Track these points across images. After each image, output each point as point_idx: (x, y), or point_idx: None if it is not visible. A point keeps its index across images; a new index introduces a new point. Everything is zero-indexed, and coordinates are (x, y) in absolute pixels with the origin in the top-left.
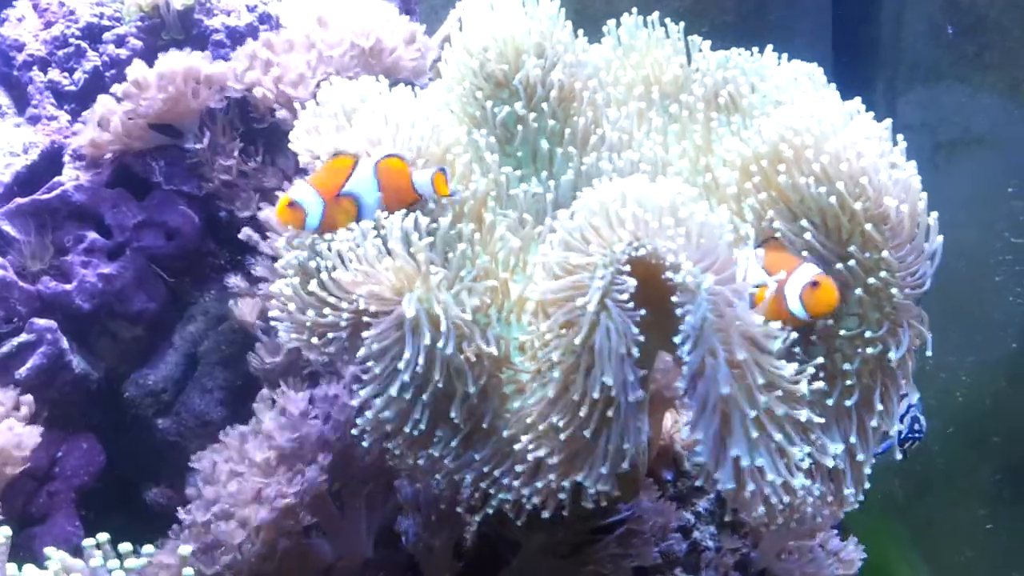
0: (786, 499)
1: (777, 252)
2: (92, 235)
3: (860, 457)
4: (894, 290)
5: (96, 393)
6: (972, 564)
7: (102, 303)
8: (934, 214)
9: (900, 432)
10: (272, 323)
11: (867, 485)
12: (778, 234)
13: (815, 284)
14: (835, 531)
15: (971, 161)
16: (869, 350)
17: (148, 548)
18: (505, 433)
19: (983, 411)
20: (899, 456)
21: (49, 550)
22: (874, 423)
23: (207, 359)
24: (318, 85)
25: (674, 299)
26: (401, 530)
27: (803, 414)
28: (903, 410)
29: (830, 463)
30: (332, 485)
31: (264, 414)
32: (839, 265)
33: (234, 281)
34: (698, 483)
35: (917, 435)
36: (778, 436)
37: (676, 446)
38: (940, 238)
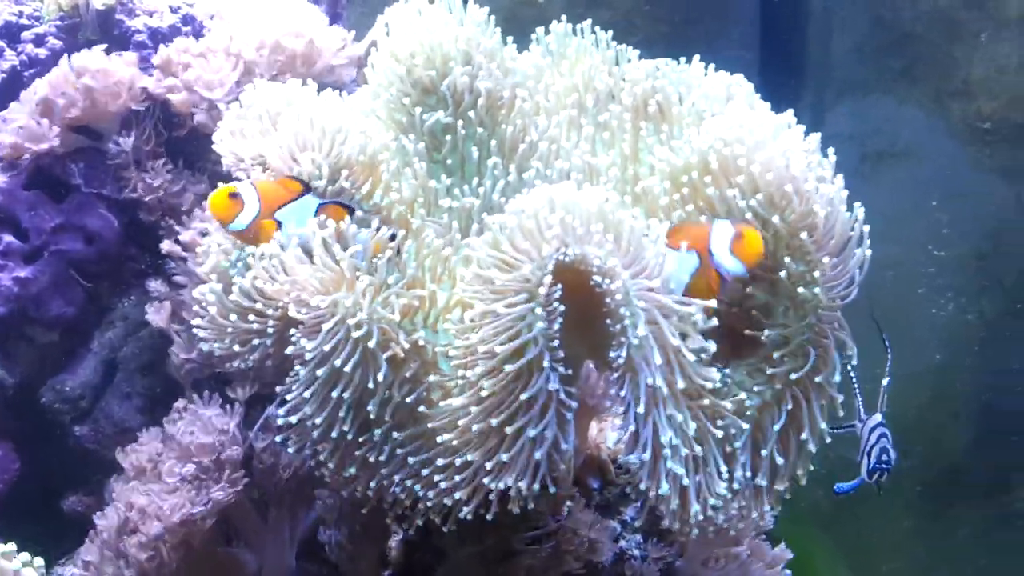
0: (712, 501)
1: (683, 228)
2: (8, 238)
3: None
4: (818, 299)
5: (11, 399)
6: (896, 575)
7: (18, 307)
8: (866, 227)
9: (868, 463)
10: (194, 330)
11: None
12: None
13: (739, 236)
14: (763, 537)
15: (897, 173)
16: (795, 361)
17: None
18: (433, 436)
19: (907, 424)
20: (875, 486)
21: None
22: (803, 436)
23: (126, 365)
24: (241, 89)
25: (607, 302)
26: (323, 540)
27: (730, 425)
28: (873, 441)
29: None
30: (252, 493)
31: (177, 424)
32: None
33: (155, 286)
34: (626, 490)
35: (885, 466)
36: (702, 447)
37: (602, 454)
38: (869, 252)
